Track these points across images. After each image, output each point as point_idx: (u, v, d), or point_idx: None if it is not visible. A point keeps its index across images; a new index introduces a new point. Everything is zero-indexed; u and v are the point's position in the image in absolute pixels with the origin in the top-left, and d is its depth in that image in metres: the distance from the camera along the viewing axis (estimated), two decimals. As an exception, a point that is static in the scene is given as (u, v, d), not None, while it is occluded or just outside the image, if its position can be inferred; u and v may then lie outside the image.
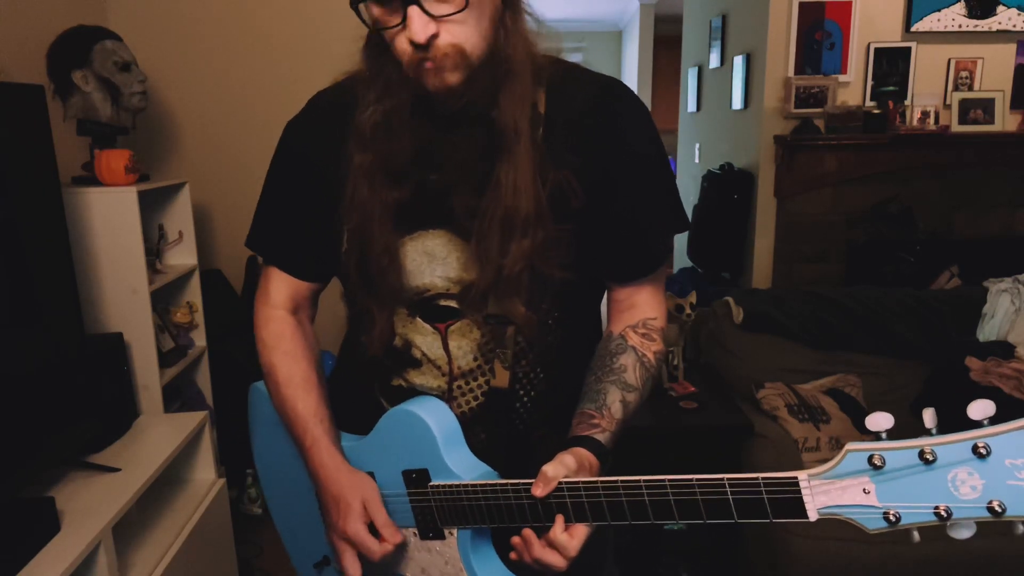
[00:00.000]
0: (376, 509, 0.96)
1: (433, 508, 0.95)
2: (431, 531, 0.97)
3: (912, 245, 3.40)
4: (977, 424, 0.66)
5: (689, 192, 4.72)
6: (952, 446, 0.66)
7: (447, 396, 0.98)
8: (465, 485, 0.91)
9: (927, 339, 2.63)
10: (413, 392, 0.99)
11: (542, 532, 0.86)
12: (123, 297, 2.10)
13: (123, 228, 2.07)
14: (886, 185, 3.44)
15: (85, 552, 1.44)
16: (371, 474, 0.99)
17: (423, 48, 0.82)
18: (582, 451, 0.89)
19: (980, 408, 0.66)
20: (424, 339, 0.98)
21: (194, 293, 2.46)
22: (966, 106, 3.44)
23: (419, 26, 0.81)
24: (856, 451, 0.70)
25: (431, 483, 0.94)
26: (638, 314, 1.01)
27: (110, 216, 2.06)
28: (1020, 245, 3.43)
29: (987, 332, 2.64)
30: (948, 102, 3.46)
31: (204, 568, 1.94)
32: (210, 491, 2.03)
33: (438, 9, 0.81)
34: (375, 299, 0.97)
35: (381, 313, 0.98)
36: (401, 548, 0.99)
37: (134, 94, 2.20)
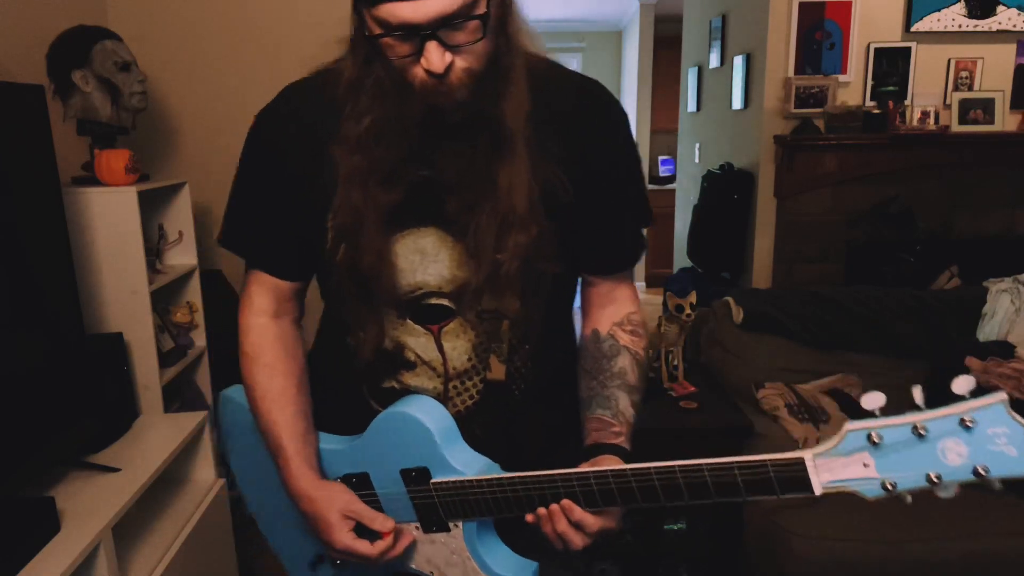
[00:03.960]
0: (358, 510, 0.97)
1: (437, 504, 0.96)
2: (435, 525, 0.98)
3: (912, 245, 3.39)
4: (960, 397, 0.74)
5: (689, 192, 4.72)
6: (941, 420, 0.75)
7: (443, 397, 0.99)
8: (470, 480, 0.93)
9: (927, 339, 2.63)
10: (406, 393, 1.00)
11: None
12: (123, 297, 2.10)
13: (123, 228, 2.07)
14: (886, 185, 3.44)
15: (85, 552, 1.44)
16: (366, 475, 1.00)
17: (441, 76, 0.82)
18: (614, 459, 0.93)
19: (963, 383, 0.74)
20: (417, 341, 0.98)
21: (194, 293, 2.47)
22: (966, 106, 3.44)
23: (437, 58, 0.80)
24: (855, 430, 0.78)
25: (432, 480, 0.95)
26: (620, 309, 1.05)
27: (110, 216, 2.06)
28: (1020, 245, 3.43)
29: (987, 332, 2.64)
30: (948, 102, 3.46)
31: (204, 568, 1.94)
32: (210, 491, 2.02)
33: (455, 39, 0.81)
34: (368, 301, 0.96)
35: (373, 315, 0.97)
36: (397, 542, 0.99)
37: (134, 94, 2.20)
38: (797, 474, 0.79)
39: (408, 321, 0.98)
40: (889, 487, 0.77)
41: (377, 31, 0.81)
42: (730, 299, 2.69)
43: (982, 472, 0.73)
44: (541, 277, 0.95)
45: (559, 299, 1.02)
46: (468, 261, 0.93)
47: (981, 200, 3.49)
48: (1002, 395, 0.73)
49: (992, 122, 3.44)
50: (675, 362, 2.47)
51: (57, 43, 2.12)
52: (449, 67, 0.82)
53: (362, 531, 0.97)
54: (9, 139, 1.57)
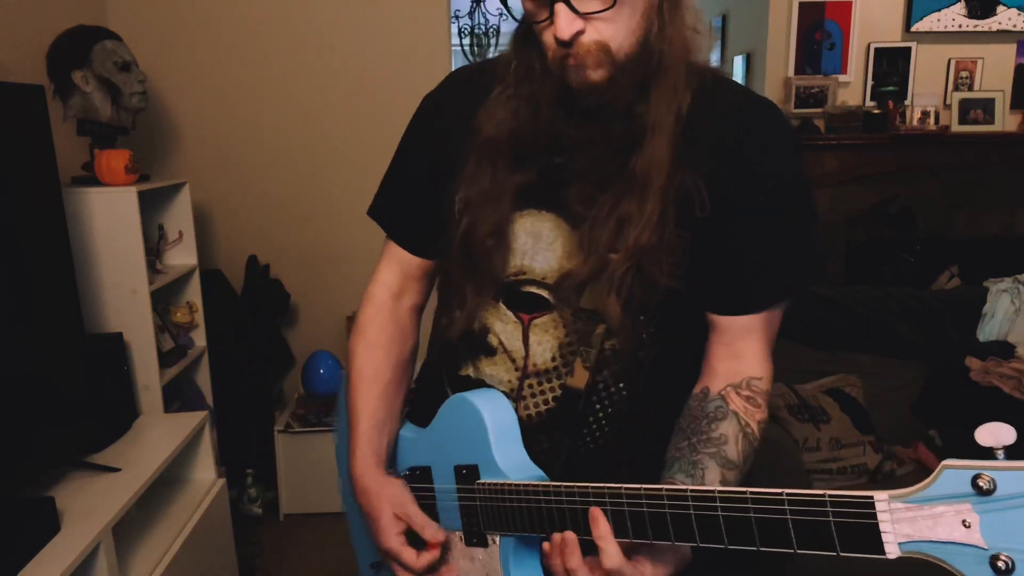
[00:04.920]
0: (410, 513, 0.93)
1: (478, 509, 0.90)
2: (475, 536, 0.91)
3: (912, 245, 3.40)
4: None
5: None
6: None
7: (516, 394, 0.92)
8: (512, 485, 0.84)
9: (927, 339, 2.63)
10: (480, 384, 0.94)
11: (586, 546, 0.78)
12: (123, 297, 2.10)
13: (123, 228, 2.07)
14: (886, 185, 3.44)
15: (85, 552, 1.43)
16: (428, 468, 0.96)
17: (567, 44, 0.80)
18: None
19: None
20: (504, 327, 0.92)
21: (194, 293, 2.46)
22: (966, 106, 3.44)
23: (565, 23, 0.78)
24: (956, 468, 0.54)
25: (479, 480, 0.89)
26: (742, 369, 0.90)
27: (110, 216, 2.06)
28: (1020, 245, 3.43)
29: (987, 332, 2.64)
30: (948, 102, 3.46)
31: (204, 568, 1.94)
32: (210, 491, 2.02)
33: (586, 6, 0.79)
34: (473, 277, 0.93)
35: (475, 294, 0.93)
36: (444, 553, 0.94)
37: (134, 94, 2.20)
38: (865, 521, 0.58)
39: (501, 305, 0.92)
40: (1003, 565, 0.51)
41: (526, 6, 0.82)
42: (730, 299, 2.69)
43: None
44: (652, 289, 0.86)
45: (674, 329, 0.90)
46: (578, 253, 0.88)
47: (981, 200, 3.49)
48: None
49: (992, 122, 3.44)
50: (675, 362, 2.47)
51: (57, 43, 2.12)
52: (577, 36, 0.79)
53: (413, 535, 0.93)
54: (9, 139, 1.57)
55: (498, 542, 0.89)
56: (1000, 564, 0.52)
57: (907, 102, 3.43)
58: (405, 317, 1.06)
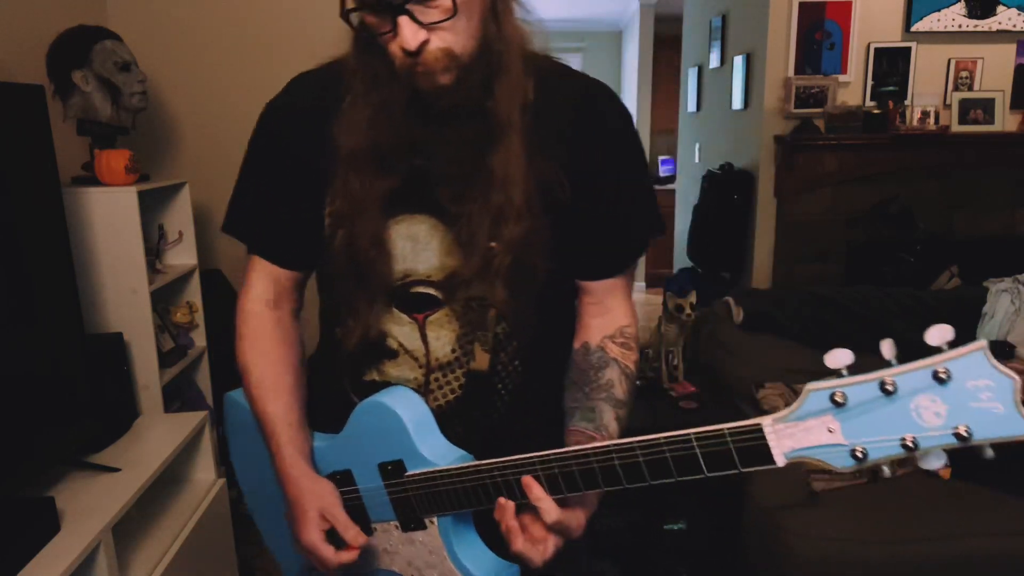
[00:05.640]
0: (335, 514, 0.95)
1: (411, 498, 0.95)
2: (412, 522, 0.97)
3: (912, 245, 3.39)
4: (936, 350, 0.64)
5: (689, 192, 4.71)
6: (912, 374, 0.65)
7: (424, 389, 0.97)
8: (441, 471, 0.91)
9: (927, 339, 2.63)
10: (386, 386, 0.98)
11: (522, 510, 0.88)
12: (123, 297, 2.10)
13: (123, 228, 2.07)
14: (886, 185, 3.44)
15: (85, 552, 1.44)
16: (348, 472, 0.99)
17: (414, 54, 0.83)
18: None
19: (938, 333, 0.64)
20: (401, 329, 0.97)
21: (194, 293, 2.47)
22: (966, 106, 3.44)
23: (410, 34, 0.81)
24: (817, 390, 0.69)
25: (407, 473, 0.94)
26: (613, 321, 1.01)
27: (110, 216, 2.06)
28: (1020, 245, 3.43)
29: (987, 332, 2.64)
30: (948, 102, 3.46)
31: (204, 568, 1.94)
32: (210, 491, 2.02)
33: (428, 16, 0.82)
34: (364, 289, 0.96)
35: (367, 304, 0.96)
36: (384, 544, 0.99)
37: (134, 94, 2.20)
38: (756, 443, 0.71)
39: (394, 309, 0.97)
40: (859, 455, 0.67)
41: (352, 5, 0.84)
42: (730, 299, 2.70)
43: (964, 434, 0.63)
44: (532, 273, 0.93)
45: (551, 301, 1.00)
46: (459, 250, 0.93)
47: (981, 200, 3.49)
48: (982, 342, 0.62)
49: (992, 122, 3.44)
50: (675, 362, 2.47)
51: (57, 43, 2.12)
52: (423, 45, 0.82)
53: (334, 536, 0.96)
54: (9, 139, 1.57)
55: (436, 522, 0.95)
56: (858, 454, 0.68)
57: (907, 102, 3.43)
58: (288, 323, 1.07)
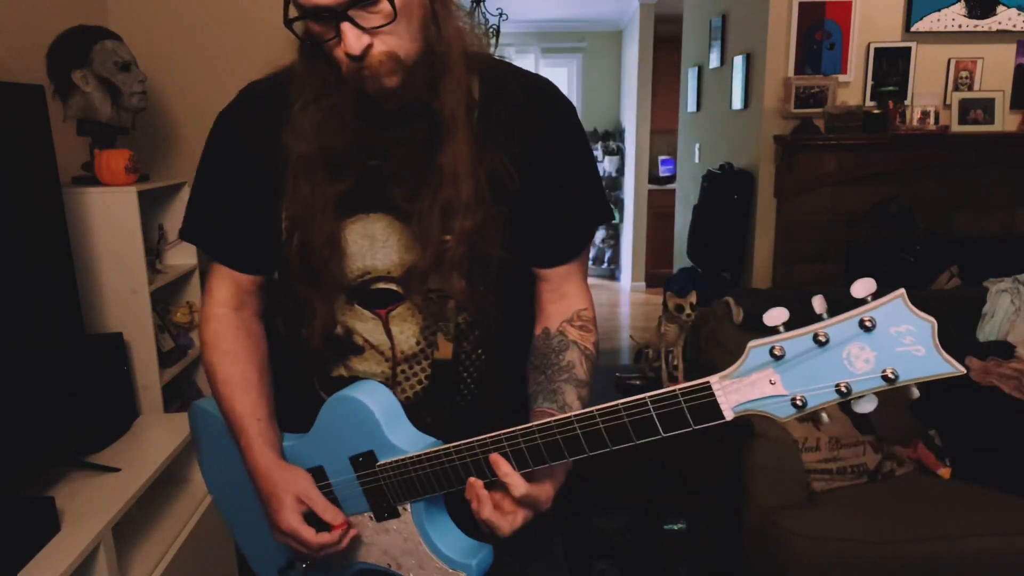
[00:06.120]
0: (312, 497, 0.97)
1: (384, 487, 0.97)
2: (386, 511, 0.99)
3: (912, 245, 3.39)
4: (861, 301, 0.69)
5: (689, 192, 4.71)
6: (841, 325, 0.70)
7: (391, 382, 0.99)
8: (411, 457, 0.93)
9: (927, 339, 2.62)
10: (355, 380, 1.00)
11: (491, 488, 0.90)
12: (123, 297, 2.10)
13: (123, 228, 2.07)
14: (886, 185, 3.44)
15: (85, 552, 1.44)
16: (320, 468, 1.00)
17: (359, 59, 0.86)
18: None
19: (862, 286, 0.69)
20: (365, 325, 0.99)
21: (194, 293, 2.47)
22: (966, 106, 3.44)
23: (353, 39, 0.84)
24: (757, 347, 0.74)
25: (378, 463, 0.95)
26: (570, 305, 1.05)
27: (110, 216, 2.07)
28: (1020, 245, 3.43)
29: (987, 332, 2.64)
30: (948, 102, 3.46)
31: (204, 568, 1.94)
32: (210, 491, 2.02)
33: (369, 22, 0.84)
34: (318, 289, 0.98)
35: (324, 303, 0.99)
36: (359, 536, 1.00)
37: (134, 94, 2.20)
38: (706, 399, 0.76)
39: (356, 306, 0.99)
40: (799, 403, 0.73)
41: (295, 14, 0.88)
42: (730, 299, 2.69)
43: (891, 376, 0.69)
44: (487, 263, 0.96)
45: (513, 292, 1.02)
46: (415, 245, 0.95)
47: (981, 200, 3.49)
48: (900, 290, 0.68)
49: (992, 122, 3.44)
50: (675, 362, 2.47)
51: (57, 43, 2.12)
52: (367, 50, 0.85)
53: (313, 521, 0.97)
54: (9, 139, 1.57)
55: (409, 508, 0.97)
56: (797, 402, 0.73)
57: (907, 102, 3.43)
58: (252, 323, 1.08)
